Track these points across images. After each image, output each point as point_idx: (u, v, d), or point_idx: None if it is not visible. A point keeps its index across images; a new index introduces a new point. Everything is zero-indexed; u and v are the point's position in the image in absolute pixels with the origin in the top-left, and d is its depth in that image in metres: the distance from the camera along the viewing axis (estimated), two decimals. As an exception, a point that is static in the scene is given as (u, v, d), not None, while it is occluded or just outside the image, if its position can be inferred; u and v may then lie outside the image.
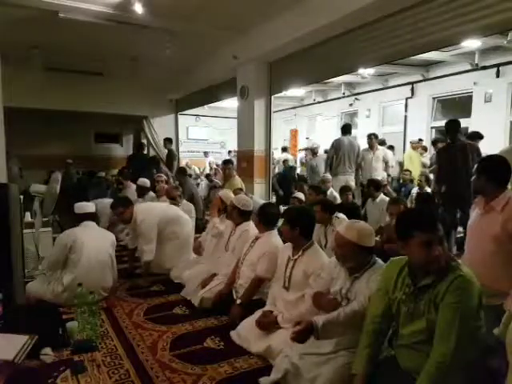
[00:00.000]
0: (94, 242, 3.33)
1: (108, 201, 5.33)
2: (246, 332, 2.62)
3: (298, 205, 4.50)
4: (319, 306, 2.25)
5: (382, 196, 4.76)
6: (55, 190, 4.10)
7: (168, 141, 8.74)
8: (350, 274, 2.12)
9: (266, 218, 3.12)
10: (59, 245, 3.26)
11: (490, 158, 2.37)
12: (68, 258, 3.22)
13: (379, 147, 6.64)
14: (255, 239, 3.16)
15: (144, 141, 10.14)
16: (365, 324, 1.88)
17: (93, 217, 3.53)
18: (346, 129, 6.40)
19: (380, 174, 6.40)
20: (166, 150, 8.92)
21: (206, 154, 12.51)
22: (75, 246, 3.21)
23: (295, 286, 2.55)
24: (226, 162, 6.41)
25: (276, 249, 2.95)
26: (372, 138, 6.51)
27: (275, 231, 3.20)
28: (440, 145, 5.75)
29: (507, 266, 2.06)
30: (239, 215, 3.50)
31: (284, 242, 2.95)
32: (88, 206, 3.54)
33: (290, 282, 2.58)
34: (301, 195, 5.18)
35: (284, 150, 10.52)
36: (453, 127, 4.54)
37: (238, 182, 5.90)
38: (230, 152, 10.80)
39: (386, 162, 6.59)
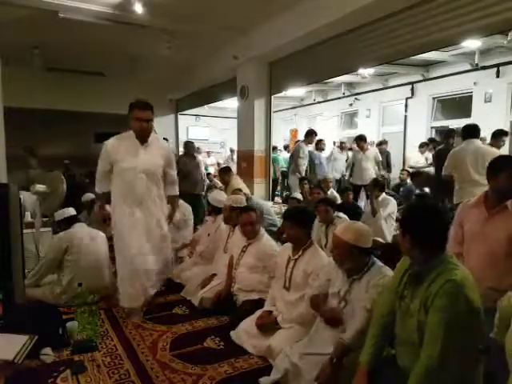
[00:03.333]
0: (90, 242, 3.37)
1: None
2: (246, 332, 2.62)
3: (297, 205, 4.51)
4: (317, 309, 2.26)
5: (384, 195, 4.77)
6: (61, 190, 4.11)
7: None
8: (349, 275, 2.12)
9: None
10: (55, 247, 3.29)
11: None
12: (64, 259, 3.24)
13: (370, 147, 6.70)
14: (247, 245, 3.17)
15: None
16: (373, 318, 1.89)
17: (78, 219, 3.62)
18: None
19: (372, 174, 6.48)
20: None
21: (208, 154, 11.99)
22: (72, 248, 3.24)
23: (296, 286, 2.55)
24: (225, 171, 5.67)
25: (275, 248, 3.04)
26: (358, 139, 6.66)
27: (264, 232, 3.25)
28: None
29: None
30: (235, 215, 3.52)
31: (282, 242, 2.95)
32: (69, 210, 3.56)
33: (290, 282, 2.58)
34: (299, 195, 5.20)
35: (286, 148, 10.58)
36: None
37: (237, 184, 5.50)
38: (232, 151, 10.61)
39: (377, 162, 6.65)
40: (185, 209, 4.70)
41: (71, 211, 3.56)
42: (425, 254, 1.65)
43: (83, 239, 3.33)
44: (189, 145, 6.75)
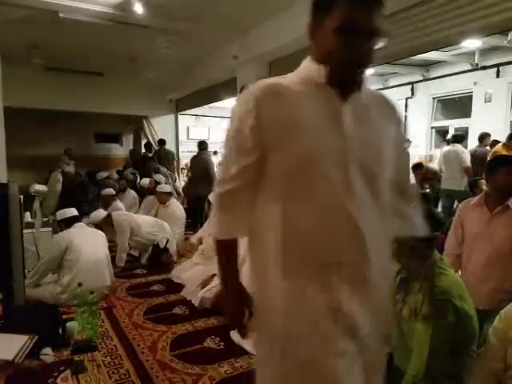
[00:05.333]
0: (90, 242, 3.37)
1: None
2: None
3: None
4: None
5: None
6: (57, 190, 4.10)
7: (160, 142, 8.67)
8: None
9: None
10: (55, 247, 3.29)
11: None
12: (64, 259, 3.24)
13: None
14: None
15: (144, 141, 10.16)
16: None
17: (79, 219, 3.61)
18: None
19: None
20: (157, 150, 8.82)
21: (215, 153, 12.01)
22: (72, 248, 3.24)
23: None
24: None
25: None
26: None
27: None
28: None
29: None
30: None
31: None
32: (71, 210, 3.56)
33: None
34: None
35: None
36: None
37: None
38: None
39: None
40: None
41: (73, 211, 3.56)
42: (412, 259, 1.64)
43: (83, 239, 3.33)
44: (206, 144, 6.75)
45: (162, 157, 8.26)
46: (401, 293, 1.71)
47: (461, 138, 6.02)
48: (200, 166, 6.31)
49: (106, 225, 4.26)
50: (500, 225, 2.11)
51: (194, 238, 4.21)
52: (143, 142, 10.27)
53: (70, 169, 8.20)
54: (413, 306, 1.60)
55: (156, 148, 9.25)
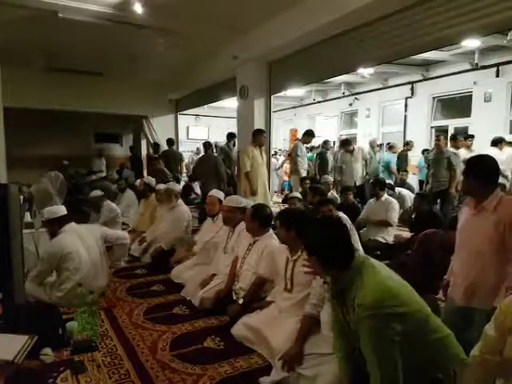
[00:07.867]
0: (84, 245, 3.25)
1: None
2: (245, 324, 2.62)
3: (297, 204, 4.52)
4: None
5: (386, 195, 4.78)
6: (48, 189, 4.05)
7: (168, 142, 8.65)
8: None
9: (262, 219, 3.11)
10: (49, 256, 3.14)
11: (478, 158, 2.29)
12: (61, 267, 3.13)
13: (355, 147, 6.71)
14: (253, 243, 3.14)
15: (144, 141, 10.16)
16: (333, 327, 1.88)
17: (69, 218, 3.37)
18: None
19: (360, 174, 6.54)
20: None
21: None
22: (67, 256, 3.11)
23: (299, 286, 2.54)
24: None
25: (275, 249, 2.96)
26: (344, 145, 6.71)
27: (272, 232, 3.20)
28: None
29: (497, 265, 2.06)
30: (237, 215, 3.50)
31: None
32: (60, 209, 3.35)
33: (292, 283, 2.57)
34: (299, 194, 5.21)
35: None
36: None
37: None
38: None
39: (365, 160, 6.71)
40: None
41: (63, 210, 3.34)
42: (331, 271, 1.66)
43: (78, 245, 3.20)
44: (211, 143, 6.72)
45: (171, 158, 8.19)
46: (339, 302, 1.70)
47: (498, 141, 5.78)
48: (208, 166, 6.31)
49: (166, 195, 4.66)
50: (478, 224, 2.13)
51: (196, 247, 4.16)
52: (143, 142, 10.27)
53: (103, 167, 8.84)
54: (353, 325, 1.59)
55: (164, 149, 9.08)
